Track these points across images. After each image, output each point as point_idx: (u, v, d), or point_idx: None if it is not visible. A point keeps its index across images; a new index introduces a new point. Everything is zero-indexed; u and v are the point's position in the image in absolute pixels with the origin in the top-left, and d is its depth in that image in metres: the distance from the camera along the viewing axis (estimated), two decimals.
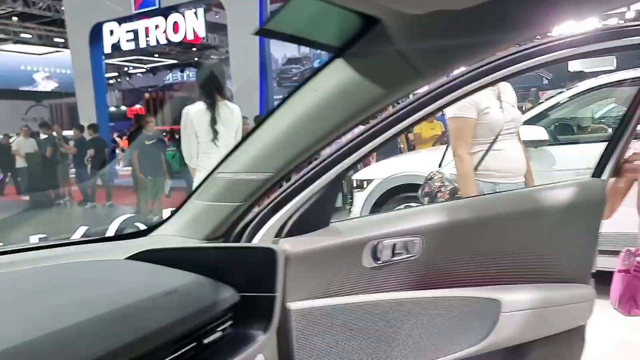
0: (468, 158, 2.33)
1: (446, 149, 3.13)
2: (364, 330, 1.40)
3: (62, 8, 12.27)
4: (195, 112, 3.25)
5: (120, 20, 11.12)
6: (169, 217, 1.16)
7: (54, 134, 10.33)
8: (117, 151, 12.97)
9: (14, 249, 1.04)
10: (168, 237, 1.12)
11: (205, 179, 1.11)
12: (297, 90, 0.97)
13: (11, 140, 11.28)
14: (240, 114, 3.49)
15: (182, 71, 21.43)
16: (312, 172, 1.25)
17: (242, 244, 1.07)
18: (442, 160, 3.16)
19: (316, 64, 13.04)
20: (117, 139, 14.41)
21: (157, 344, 0.83)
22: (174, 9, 10.60)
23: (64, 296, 0.85)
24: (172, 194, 6.92)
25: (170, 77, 21.77)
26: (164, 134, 12.18)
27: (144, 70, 21.76)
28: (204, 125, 3.20)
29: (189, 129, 3.24)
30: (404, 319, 1.45)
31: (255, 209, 1.12)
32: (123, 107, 21.82)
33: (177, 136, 10.42)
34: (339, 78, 0.95)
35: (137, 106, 21.11)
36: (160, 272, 0.98)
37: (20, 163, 10.46)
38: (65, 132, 10.95)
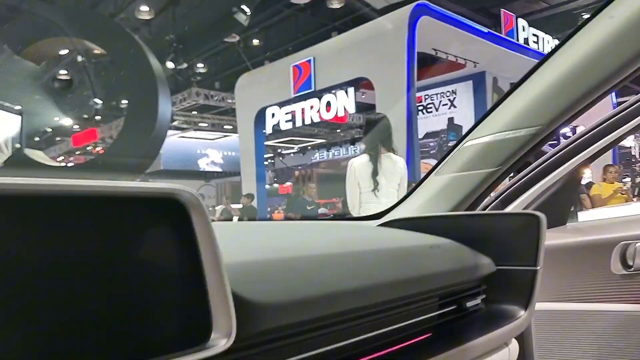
0: None
1: None
2: (612, 344, 1.21)
3: (233, 100, 14.13)
4: (359, 164, 3.48)
5: (281, 104, 12.37)
6: (402, 200, 1.16)
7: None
8: None
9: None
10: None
11: (447, 155, 1.10)
12: (577, 30, 0.92)
13: None
14: (404, 165, 3.54)
15: (327, 150, 22.77)
16: (548, 163, 1.17)
17: (498, 211, 1.01)
18: None
19: (451, 137, 12.88)
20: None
21: (427, 291, 0.80)
22: (328, 90, 11.51)
23: (339, 238, 0.87)
24: None
25: (317, 156, 23.23)
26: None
27: (295, 151, 23.58)
28: (366, 176, 3.33)
29: (352, 179, 3.44)
30: None
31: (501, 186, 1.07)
32: (275, 185, 23.64)
33: None
34: None
35: (288, 183, 22.71)
36: (415, 235, 0.96)
37: None
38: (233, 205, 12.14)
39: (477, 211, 1.04)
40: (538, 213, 0.93)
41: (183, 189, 0.51)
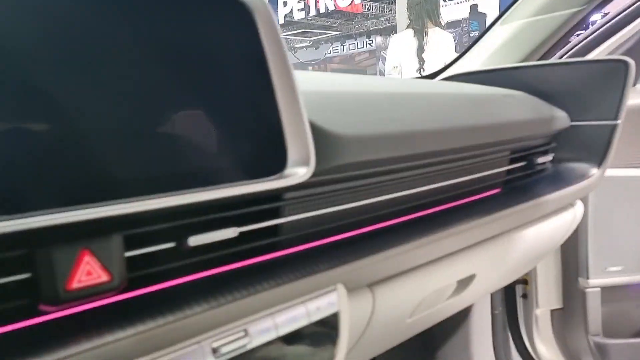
0: None
1: None
2: None
3: None
4: (402, 40, 3.04)
5: None
6: (460, 56, 1.05)
7: None
8: None
9: None
10: None
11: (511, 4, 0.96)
12: None
13: None
14: (452, 42, 3.12)
15: (342, 44, 21.85)
16: None
17: (578, 59, 0.90)
18: None
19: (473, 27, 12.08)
20: None
21: (500, 142, 0.72)
22: None
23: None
24: None
25: (331, 50, 22.37)
26: None
27: (308, 44, 22.67)
28: (411, 54, 3.01)
29: (393, 57, 3.07)
30: None
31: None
32: None
33: None
34: None
35: None
36: (483, 87, 0.86)
37: None
38: None
39: (553, 60, 0.93)
40: (626, 58, 0.81)
41: None
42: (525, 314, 1.29)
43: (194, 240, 0.41)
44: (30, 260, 0.34)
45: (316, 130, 0.48)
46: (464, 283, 0.73)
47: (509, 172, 0.81)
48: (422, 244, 0.58)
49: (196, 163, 0.40)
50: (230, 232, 0.44)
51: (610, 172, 1.12)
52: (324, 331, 0.47)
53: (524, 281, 1.27)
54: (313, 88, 0.53)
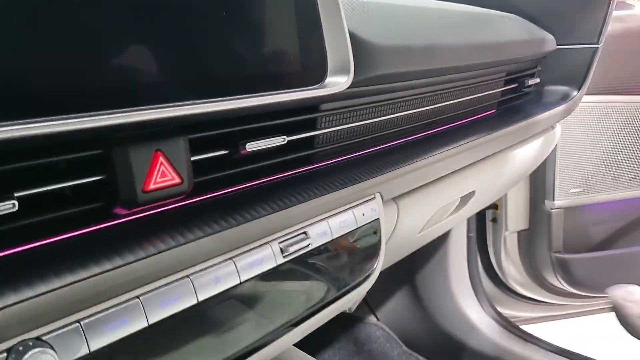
0: None
1: None
2: (629, 135, 1.24)
3: None
4: None
5: None
6: None
7: None
8: None
9: None
10: None
11: None
12: None
13: None
14: None
15: None
16: None
17: None
18: None
19: None
20: None
21: (502, 61, 0.74)
22: None
23: None
24: None
25: None
26: None
27: None
28: None
29: None
30: None
31: None
32: None
33: None
34: None
35: None
36: (479, 8, 0.87)
37: None
38: None
39: None
40: None
41: None
42: (494, 237, 1.38)
43: (251, 146, 0.41)
44: (106, 161, 0.33)
45: (355, 40, 0.47)
46: (466, 199, 0.78)
47: (502, 93, 0.84)
48: (440, 158, 0.61)
49: (246, 70, 0.40)
50: (281, 140, 0.44)
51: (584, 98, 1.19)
52: (369, 235, 0.49)
53: (494, 206, 1.35)
54: None
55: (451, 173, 0.68)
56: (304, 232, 0.42)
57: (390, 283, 1.31)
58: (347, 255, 0.47)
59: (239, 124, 0.42)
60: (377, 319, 1.32)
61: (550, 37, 0.88)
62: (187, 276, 0.35)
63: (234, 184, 0.42)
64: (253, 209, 0.39)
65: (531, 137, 0.88)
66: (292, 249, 0.40)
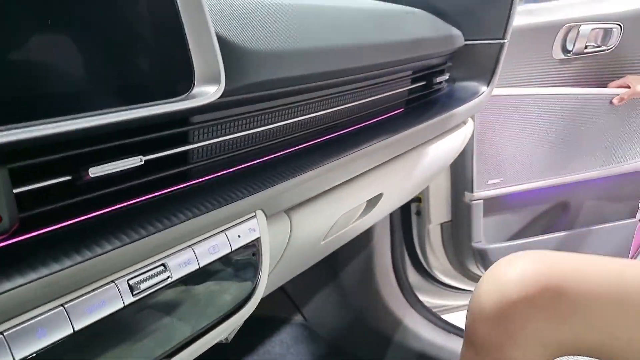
0: None
1: None
2: (542, 125, 1.28)
3: None
4: None
5: None
6: None
7: None
8: None
9: None
10: None
11: None
12: None
13: None
14: None
15: None
16: None
17: None
18: None
19: None
20: None
21: (405, 60, 0.72)
22: None
23: None
24: None
25: None
26: None
27: None
28: None
29: None
30: (589, 117, 1.32)
31: None
32: None
33: None
34: None
35: None
36: (383, 3, 0.85)
37: None
38: None
39: None
40: None
41: None
42: (418, 229, 1.39)
43: (95, 171, 0.36)
44: None
45: (225, 45, 0.43)
46: (373, 202, 0.76)
47: (410, 91, 0.82)
48: (334, 166, 0.58)
49: (91, 84, 0.34)
50: (134, 161, 0.39)
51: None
52: (246, 258, 0.45)
53: (417, 199, 1.36)
54: None
55: (354, 177, 0.66)
56: (162, 265, 0.38)
57: (317, 282, 1.29)
58: (220, 283, 0.43)
59: (84, 145, 0.37)
60: (305, 319, 1.30)
61: (457, 32, 0.87)
62: (1, 333, 0.30)
63: (81, 213, 0.37)
64: (97, 243, 0.35)
65: (441, 135, 0.87)
66: (144, 285, 0.36)
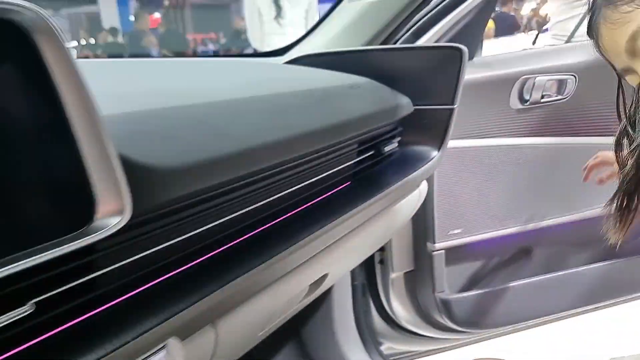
0: None
1: None
2: (504, 176, 1.28)
3: None
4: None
5: None
6: (310, 32, 1.00)
7: None
8: None
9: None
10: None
11: None
12: None
13: None
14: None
15: None
16: None
17: (417, 45, 0.91)
18: None
19: None
20: None
21: (348, 139, 0.70)
22: None
23: (244, 76, 0.71)
24: None
25: None
26: None
27: None
28: (267, 0, 2.89)
29: (252, 6, 2.94)
30: (547, 165, 1.32)
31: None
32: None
33: None
34: None
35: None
36: (329, 73, 0.83)
37: None
38: None
39: (392, 45, 0.93)
40: (461, 46, 0.84)
41: (23, 5, 0.31)
42: (382, 278, 1.37)
43: None
44: None
45: (129, 166, 0.40)
46: (317, 283, 0.73)
47: (357, 163, 0.80)
48: (267, 266, 0.55)
49: None
50: (23, 310, 0.35)
51: (450, 143, 1.20)
52: None
53: (381, 248, 1.34)
54: (120, 109, 0.45)
55: (293, 268, 0.63)
56: None
57: (279, 339, 1.26)
58: None
59: None
60: None
61: (406, 100, 0.86)
62: None
63: None
64: None
65: (391, 204, 0.85)
66: None
